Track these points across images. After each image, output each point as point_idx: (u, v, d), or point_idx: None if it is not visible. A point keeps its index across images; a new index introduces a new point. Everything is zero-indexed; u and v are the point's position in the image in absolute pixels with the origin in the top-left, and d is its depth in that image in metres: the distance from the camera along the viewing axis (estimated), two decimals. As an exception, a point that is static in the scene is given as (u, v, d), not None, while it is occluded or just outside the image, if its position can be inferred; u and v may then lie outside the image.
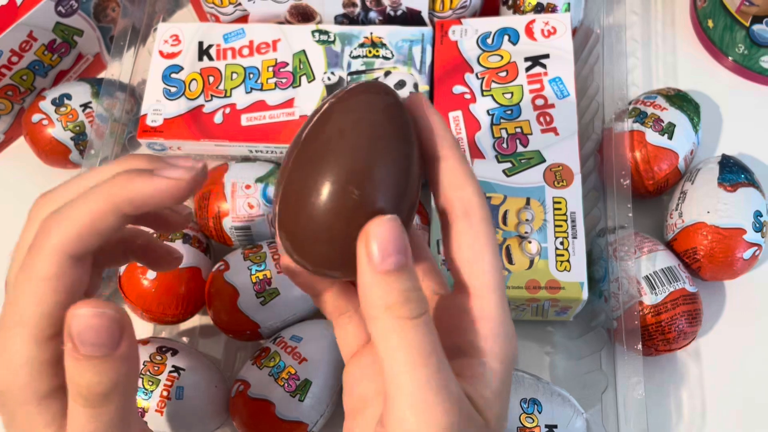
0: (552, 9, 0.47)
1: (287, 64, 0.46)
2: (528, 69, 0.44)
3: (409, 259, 0.22)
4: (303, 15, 0.48)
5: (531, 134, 0.42)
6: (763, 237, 0.42)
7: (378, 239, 0.21)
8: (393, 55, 0.45)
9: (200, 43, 0.47)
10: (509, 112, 0.43)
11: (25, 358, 0.22)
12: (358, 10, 0.48)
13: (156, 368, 0.40)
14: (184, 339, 0.47)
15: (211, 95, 0.46)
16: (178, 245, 0.43)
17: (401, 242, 0.21)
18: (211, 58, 0.47)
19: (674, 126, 0.44)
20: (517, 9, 0.48)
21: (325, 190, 0.22)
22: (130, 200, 0.23)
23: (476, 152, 0.42)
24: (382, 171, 0.22)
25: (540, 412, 0.38)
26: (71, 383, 0.22)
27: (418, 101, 0.24)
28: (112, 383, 0.22)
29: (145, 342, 0.42)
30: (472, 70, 0.44)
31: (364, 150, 0.22)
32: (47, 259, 0.22)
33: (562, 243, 0.39)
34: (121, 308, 0.22)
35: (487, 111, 0.43)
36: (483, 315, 0.23)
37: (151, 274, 0.42)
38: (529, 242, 0.39)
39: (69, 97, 0.50)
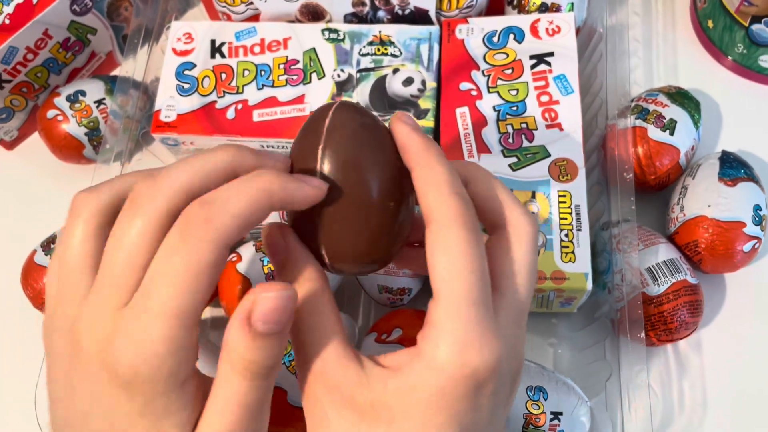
0: (556, 9, 0.48)
1: (298, 61, 0.47)
2: (533, 66, 0.45)
3: (289, 256, 0.25)
4: (313, 14, 0.50)
5: (536, 130, 0.43)
6: (762, 230, 0.43)
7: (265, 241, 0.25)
8: (401, 53, 0.47)
9: (213, 41, 0.48)
10: (515, 108, 0.44)
11: (175, 347, 0.22)
12: (367, 9, 0.49)
13: (170, 357, 0.41)
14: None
15: (224, 92, 0.47)
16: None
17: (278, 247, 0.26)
18: (223, 56, 0.48)
19: (675, 122, 0.45)
20: (522, 9, 0.49)
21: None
22: (282, 199, 0.23)
23: (483, 147, 0.43)
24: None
25: (546, 400, 0.39)
26: (238, 359, 0.22)
27: (392, 121, 0.26)
28: (280, 356, 0.23)
29: (158, 332, 0.43)
30: (478, 68, 0.45)
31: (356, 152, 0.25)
32: (210, 248, 0.22)
33: (566, 235, 0.40)
34: (290, 285, 0.23)
35: (493, 107, 0.44)
36: (432, 319, 0.23)
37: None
38: (535, 234, 0.40)
39: (83, 93, 0.51)
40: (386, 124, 0.26)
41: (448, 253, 0.23)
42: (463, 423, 0.23)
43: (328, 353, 0.24)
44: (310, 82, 0.46)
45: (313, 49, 0.47)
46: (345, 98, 0.26)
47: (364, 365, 0.24)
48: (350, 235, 0.24)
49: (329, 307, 0.25)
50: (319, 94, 0.46)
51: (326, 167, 0.24)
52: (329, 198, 0.24)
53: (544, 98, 0.44)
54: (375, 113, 0.45)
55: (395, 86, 0.46)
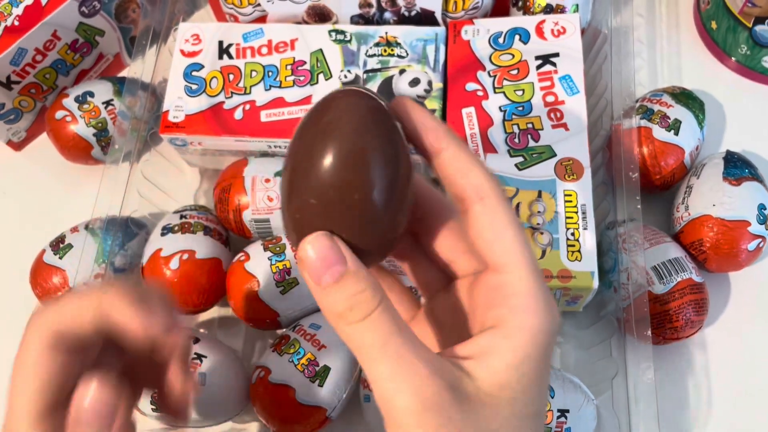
0: (561, 10, 0.48)
1: (305, 62, 0.47)
2: (539, 67, 0.45)
3: (348, 264, 0.22)
4: (320, 15, 0.50)
5: (542, 130, 0.43)
6: (767, 229, 0.43)
7: (309, 262, 0.22)
8: (407, 54, 0.47)
9: (220, 43, 0.49)
10: (521, 108, 0.44)
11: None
12: (373, 10, 0.49)
13: (179, 355, 0.41)
14: (202, 330, 0.48)
15: (232, 92, 0.47)
16: (199, 237, 0.45)
17: (332, 256, 0.22)
18: (231, 57, 0.48)
19: (680, 122, 0.46)
20: (526, 10, 0.49)
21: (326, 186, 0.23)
22: (111, 322, 0.26)
23: (489, 147, 0.43)
24: (372, 161, 0.23)
25: (552, 398, 0.39)
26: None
27: (401, 104, 0.25)
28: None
29: (167, 330, 0.43)
30: (484, 68, 0.46)
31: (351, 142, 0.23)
32: (29, 348, 0.27)
33: (573, 234, 0.41)
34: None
35: (500, 107, 0.44)
36: (511, 291, 0.24)
37: (174, 265, 0.43)
38: (541, 233, 0.41)
39: (92, 94, 0.51)
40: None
41: (514, 228, 0.24)
42: (548, 379, 0.25)
43: (429, 361, 0.22)
44: (317, 82, 0.47)
45: (320, 50, 0.48)
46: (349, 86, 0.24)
47: (456, 363, 0.23)
48: (356, 228, 0.23)
49: (400, 316, 0.23)
50: (325, 94, 0.46)
51: (328, 160, 0.23)
52: (335, 192, 0.23)
53: (550, 98, 0.44)
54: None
55: (402, 87, 0.46)
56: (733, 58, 0.53)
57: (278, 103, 0.46)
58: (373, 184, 0.23)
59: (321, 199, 0.23)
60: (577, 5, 0.48)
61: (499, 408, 0.23)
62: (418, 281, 0.29)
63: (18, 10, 0.50)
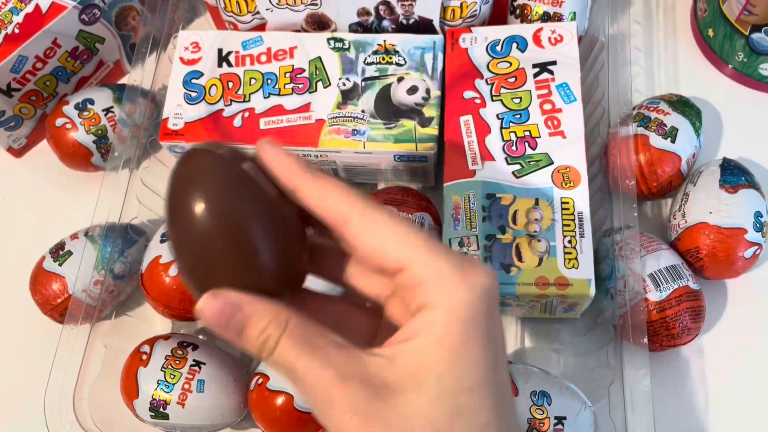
0: (558, 18, 0.49)
1: (304, 70, 0.48)
2: (536, 75, 0.46)
3: (242, 311, 0.24)
4: (319, 23, 0.50)
5: (539, 137, 0.44)
6: (763, 237, 0.44)
7: (210, 323, 0.24)
8: (406, 62, 0.47)
9: (220, 50, 0.49)
10: (518, 116, 0.45)
11: None
12: (371, 18, 0.49)
13: (177, 362, 0.42)
14: (201, 337, 0.49)
15: (231, 100, 0.47)
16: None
17: (224, 313, 0.24)
18: (230, 65, 0.48)
19: (677, 130, 0.46)
20: (524, 18, 0.49)
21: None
22: None
23: (486, 154, 0.44)
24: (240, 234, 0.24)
25: (549, 405, 0.39)
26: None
27: (259, 146, 0.26)
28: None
29: (166, 337, 0.43)
30: (482, 76, 0.46)
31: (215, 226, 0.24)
32: None
33: (570, 241, 0.41)
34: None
35: (497, 115, 0.45)
36: (420, 280, 0.24)
37: (173, 272, 0.44)
38: (538, 241, 0.41)
39: (92, 102, 0.51)
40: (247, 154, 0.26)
41: (392, 227, 0.24)
42: (491, 336, 0.24)
43: (337, 366, 0.23)
44: (315, 90, 0.47)
45: (319, 57, 0.48)
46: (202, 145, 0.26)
47: (373, 353, 0.24)
48: (244, 272, 0.24)
49: (311, 326, 0.24)
50: (324, 102, 0.47)
51: (194, 222, 0.24)
52: (209, 248, 0.24)
53: (547, 106, 0.45)
54: (379, 121, 0.45)
55: (400, 95, 0.46)
56: (730, 66, 0.53)
57: (277, 110, 0.47)
58: (242, 227, 0.24)
59: (202, 256, 0.24)
60: (575, 13, 0.49)
61: (425, 388, 0.23)
62: (368, 296, 0.29)
63: (18, 18, 0.50)
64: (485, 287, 0.24)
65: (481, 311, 0.23)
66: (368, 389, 0.23)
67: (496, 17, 0.51)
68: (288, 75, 0.48)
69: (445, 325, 0.23)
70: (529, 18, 0.49)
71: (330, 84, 0.47)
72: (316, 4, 0.49)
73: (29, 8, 0.50)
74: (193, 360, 0.42)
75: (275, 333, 0.23)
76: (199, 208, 0.24)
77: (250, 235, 0.24)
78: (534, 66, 0.46)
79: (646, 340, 0.39)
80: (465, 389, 0.23)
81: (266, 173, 0.26)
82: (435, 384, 0.23)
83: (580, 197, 0.42)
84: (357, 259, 0.28)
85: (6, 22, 0.50)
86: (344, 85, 0.47)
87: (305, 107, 0.47)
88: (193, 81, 0.48)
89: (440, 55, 0.47)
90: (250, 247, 0.24)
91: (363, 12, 0.49)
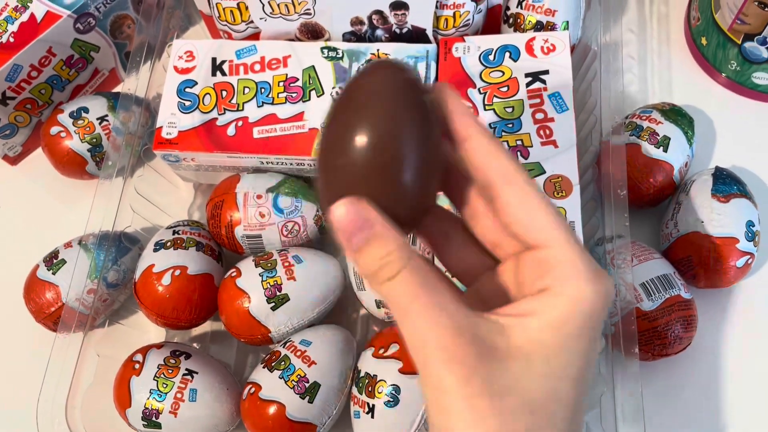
0: (551, 27, 0.49)
1: (297, 79, 0.48)
2: (528, 84, 0.46)
3: (376, 227, 0.23)
4: (312, 32, 0.50)
5: (531, 147, 0.44)
6: (755, 246, 0.44)
7: (339, 227, 0.24)
8: (399, 71, 0.47)
9: (213, 59, 0.49)
10: (510, 125, 0.45)
11: None
12: (365, 27, 0.50)
13: (170, 371, 0.42)
14: (195, 345, 0.49)
15: (224, 109, 0.47)
16: (191, 252, 0.45)
17: (358, 221, 0.23)
18: (224, 74, 0.49)
19: (669, 139, 0.46)
20: (517, 27, 0.50)
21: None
22: None
23: (479, 164, 0.44)
24: (403, 136, 0.24)
25: (541, 414, 0.39)
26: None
27: (441, 89, 0.26)
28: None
29: (159, 346, 0.44)
30: (474, 85, 0.46)
31: (386, 119, 0.24)
32: None
33: (561, 251, 0.41)
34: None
35: (489, 124, 0.45)
36: (554, 263, 0.24)
37: (166, 280, 0.44)
38: (530, 250, 0.41)
39: (86, 110, 0.52)
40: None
41: (545, 207, 0.25)
42: (596, 346, 0.24)
43: (454, 316, 0.23)
44: (309, 99, 0.47)
45: (313, 66, 0.48)
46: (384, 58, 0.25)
47: (485, 317, 0.24)
48: (386, 193, 0.24)
49: (432, 271, 0.24)
50: (317, 111, 0.47)
51: (361, 126, 0.24)
52: (366, 156, 0.24)
53: (539, 116, 0.45)
54: None
55: (393, 104, 0.46)
56: (723, 74, 0.53)
57: (270, 119, 0.47)
58: (402, 149, 0.24)
59: (351, 163, 0.24)
60: (567, 22, 0.49)
61: (532, 365, 0.23)
62: (457, 270, 0.29)
63: (13, 27, 0.50)
64: (609, 296, 0.24)
65: (599, 315, 0.24)
66: (478, 346, 0.23)
67: (490, 26, 0.51)
68: (281, 84, 0.48)
69: (566, 313, 0.23)
70: (522, 27, 0.49)
71: (323, 93, 0.47)
72: (309, 14, 0.49)
73: (24, 17, 0.51)
74: (186, 369, 0.42)
75: (398, 262, 0.23)
76: (373, 119, 0.24)
77: (409, 162, 0.24)
78: (526, 75, 0.46)
79: (637, 349, 0.39)
80: (566, 377, 0.23)
81: (438, 112, 0.26)
82: (543, 363, 0.23)
83: (572, 206, 0.42)
84: (490, 223, 0.27)
85: (1, 31, 0.50)
86: (337, 94, 0.47)
87: (299, 116, 0.47)
88: (187, 90, 0.48)
89: (433, 64, 0.47)
90: (404, 174, 0.24)
91: (356, 21, 0.49)
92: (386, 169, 0.24)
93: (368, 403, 0.40)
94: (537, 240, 0.25)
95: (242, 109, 0.47)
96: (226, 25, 0.51)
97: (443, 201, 0.28)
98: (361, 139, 0.24)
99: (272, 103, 0.47)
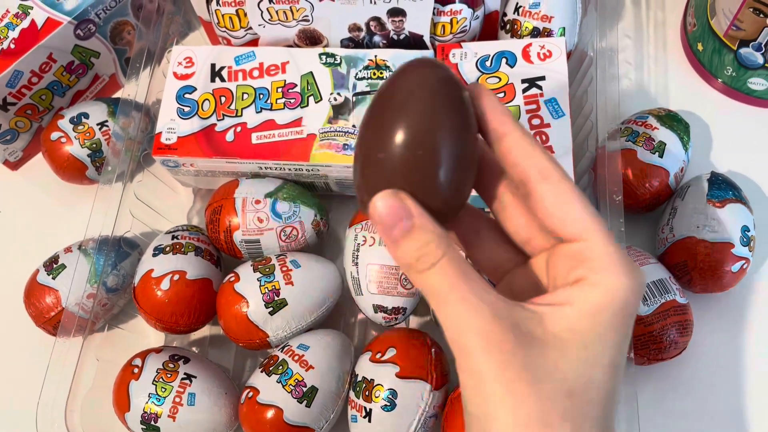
0: (548, 33, 0.49)
1: (295, 85, 0.48)
2: (525, 90, 0.46)
3: (414, 218, 0.24)
4: (311, 39, 0.51)
5: (528, 152, 0.44)
6: (750, 251, 0.44)
7: (379, 219, 0.24)
8: (396, 77, 0.48)
9: (212, 65, 0.49)
10: (507, 131, 0.45)
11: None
12: (363, 34, 0.50)
13: (169, 375, 0.42)
14: (194, 349, 0.49)
15: (223, 114, 0.48)
16: (190, 257, 0.45)
17: (397, 213, 0.24)
18: (223, 80, 0.49)
19: (665, 145, 0.46)
20: (514, 33, 0.50)
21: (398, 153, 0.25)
22: None
23: (475, 169, 0.44)
24: (441, 132, 0.25)
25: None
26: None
27: (477, 87, 0.27)
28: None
29: (158, 350, 0.44)
30: (471, 92, 0.46)
31: (425, 115, 0.25)
32: None
33: (557, 256, 0.41)
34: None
35: (486, 130, 0.45)
36: (589, 255, 0.25)
37: (165, 285, 0.44)
38: (526, 255, 0.41)
39: (86, 116, 0.52)
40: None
41: (580, 201, 0.25)
42: (628, 337, 0.25)
43: (492, 304, 0.24)
44: (307, 105, 0.48)
45: (311, 73, 0.48)
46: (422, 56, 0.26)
47: (521, 305, 0.25)
48: (423, 186, 0.25)
49: (467, 265, 0.25)
50: (315, 117, 0.47)
51: (400, 121, 0.24)
52: (404, 150, 0.24)
53: (536, 121, 0.45)
54: None
55: (390, 109, 0.47)
56: (719, 80, 0.54)
57: (269, 125, 0.47)
58: (440, 144, 0.24)
59: (391, 158, 0.24)
60: (564, 28, 0.49)
61: (568, 351, 0.23)
62: (486, 267, 0.30)
63: (14, 33, 0.51)
64: (642, 288, 0.25)
65: (633, 306, 0.24)
66: (517, 334, 0.23)
67: (487, 32, 0.51)
68: (280, 90, 0.48)
69: (602, 303, 0.24)
70: (519, 33, 0.50)
71: (321, 99, 0.48)
72: (308, 20, 0.49)
73: (25, 24, 0.51)
74: (185, 373, 0.42)
75: (437, 252, 0.24)
76: (412, 116, 0.24)
77: (446, 158, 0.25)
78: (523, 81, 0.46)
79: (632, 354, 0.40)
80: (602, 365, 0.24)
81: (474, 110, 0.26)
82: (580, 350, 0.23)
83: (568, 212, 0.42)
84: (523, 217, 0.28)
85: (2, 37, 0.51)
86: (335, 100, 0.47)
87: (297, 122, 0.47)
88: (186, 96, 0.49)
89: (430, 71, 0.48)
90: (441, 170, 0.25)
91: (354, 28, 0.49)
92: (424, 164, 0.24)
93: (365, 407, 0.40)
94: (573, 233, 0.25)
95: (241, 115, 0.48)
96: (225, 31, 0.51)
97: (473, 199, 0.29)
98: (400, 135, 0.24)
99: (270, 109, 0.48)
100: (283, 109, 0.48)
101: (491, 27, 0.51)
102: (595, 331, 0.24)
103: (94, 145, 0.52)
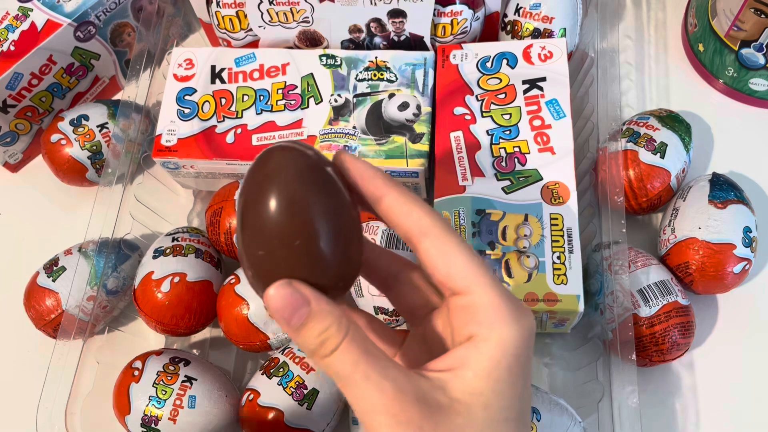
0: (548, 34, 0.49)
1: (296, 86, 0.48)
2: (526, 91, 0.46)
3: (311, 305, 0.24)
4: (311, 40, 0.51)
5: (529, 153, 0.44)
6: (752, 252, 0.44)
7: (275, 311, 0.24)
8: (397, 78, 0.48)
9: (213, 67, 0.49)
10: (508, 132, 0.45)
11: None
12: (363, 35, 0.50)
13: (169, 378, 0.42)
14: (194, 351, 0.49)
15: (223, 116, 0.48)
16: (190, 259, 0.45)
17: (293, 302, 0.24)
18: (223, 81, 0.49)
19: (666, 145, 0.46)
20: (515, 34, 0.50)
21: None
22: None
23: (476, 170, 0.44)
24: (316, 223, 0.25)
25: (539, 421, 0.39)
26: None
27: (340, 156, 0.27)
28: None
29: (158, 353, 0.44)
30: (472, 93, 0.46)
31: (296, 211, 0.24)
32: None
33: (558, 257, 0.41)
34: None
35: (487, 131, 0.45)
36: (476, 308, 0.25)
37: (165, 287, 0.44)
38: (528, 257, 0.41)
39: (86, 118, 0.52)
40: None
41: (463, 253, 0.25)
42: (528, 384, 0.26)
43: (395, 380, 0.24)
44: (307, 106, 0.47)
45: (311, 74, 0.48)
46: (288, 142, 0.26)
47: (424, 375, 0.25)
48: (311, 269, 0.25)
49: (368, 342, 0.25)
50: (316, 118, 0.47)
51: (269, 213, 0.24)
52: (280, 240, 0.25)
53: (537, 122, 0.45)
54: (370, 137, 0.46)
55: (391, 111, 0.47)
56: (720, 81, 0.54)
57: (269, 127, 0.47)
58: (316, 229, 0.24)
59: (272, 253, 0.25)
60: (565, 29, 0.49)
61: (473, 414, 0.24)
62: (403, 309, 0.30)
63: (14, 36, 0.51)
64: (532, 331, 0.26)
65: (526, 351, 0.25)
66: (422, 406, 0.24)
67: (487, 34, 0.51)
68: (280, 91, 0.48)
69: (495, 359, 0.25)
70: (520, 34, 0.50)
71: (322, 100, 0.48)
72: (308, 22, 0.49)
73: (25, 26, 0.51)
74: (185, 376, 0.42)
75: (337, 336, 0.24)
76: (280, 199, 0.24)
77: (324, 232, 0.25)
78: (524, 82, 0.46)
79: (634, 356, 0.39)
80: (506, 419, 0.25)
81: (343, 179, 0.26)
82: (482, 411, 0.24)
83: (569, 213, 0.42)
84: (409, 271, 0.29)
85: (2, 39, 0.51)
86: (336, 101, 0.47)
87: (297, 123, 0.47)
88: (187, 97, 0.49)
89: (431, 72, 0.48)
90: (322, 247, 0.25)
91: (355, 29, 0.49)
92: (306, 251, 0.24)
93: (366, 410, 0.40)
94: (459, 286, 0.25)
95: (241, 117, 0.48)
96: (225, 32, 0.51)
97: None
98: (273, 231, 0.24)
99: (271, 111, 0.48)
100: (284, 110, 0.48)
101: (492, 28, 0.51)
102: (493, 390, 0.24)
103: (95, 147, 0.52)
